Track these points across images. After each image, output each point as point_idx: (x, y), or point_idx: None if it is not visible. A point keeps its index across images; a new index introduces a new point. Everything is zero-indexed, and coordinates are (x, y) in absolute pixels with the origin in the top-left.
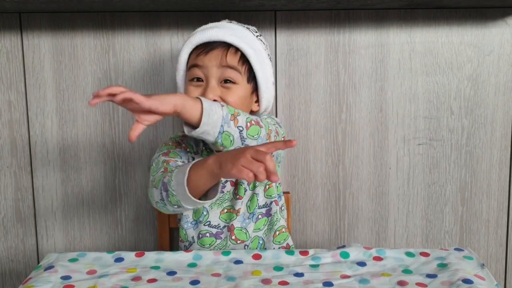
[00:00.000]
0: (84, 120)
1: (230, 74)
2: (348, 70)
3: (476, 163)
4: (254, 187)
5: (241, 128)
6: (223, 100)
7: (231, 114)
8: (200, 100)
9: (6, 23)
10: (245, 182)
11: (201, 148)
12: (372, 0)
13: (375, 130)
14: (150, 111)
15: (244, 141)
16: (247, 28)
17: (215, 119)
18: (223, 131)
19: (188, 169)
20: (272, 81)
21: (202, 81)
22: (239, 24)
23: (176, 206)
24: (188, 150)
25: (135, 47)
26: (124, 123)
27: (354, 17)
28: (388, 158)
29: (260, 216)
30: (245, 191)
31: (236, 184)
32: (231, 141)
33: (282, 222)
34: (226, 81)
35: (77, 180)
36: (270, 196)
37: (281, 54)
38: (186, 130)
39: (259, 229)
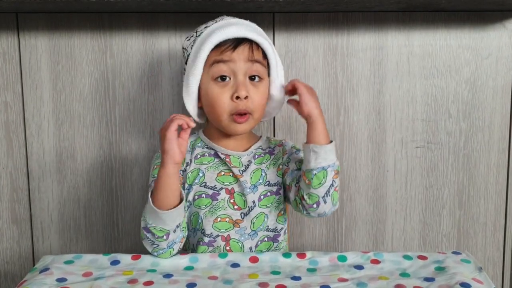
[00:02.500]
0: (81, 121)
1: (258, 68)
2: (346, 72)
3: (474, 166)
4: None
5: (336, 184)
6: (252, 98)
7: (337, 170)
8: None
9: (3, 23)
10: (245, 192)
11: (195, 156)
12: (370, 2)
13: (373, 133)
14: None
15: (328, 196)
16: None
17: (331, 157)
18: (326, 169)
19: (150, 192)
20: (282, 83)
21: (229, 79)
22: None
23: (165, 237)
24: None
25: (132, 48)
26: (121, 124)
27: (352, 20)
28: (386, 161)
29: (266, 239)
30: (245, 202)
31: (232, 193)
32: (320, 183)
33: (284, 244)
34: (252, 77)
35: (74, 182)
36: (282, 222)
37: (279, 56)
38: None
39: (261, 251)
